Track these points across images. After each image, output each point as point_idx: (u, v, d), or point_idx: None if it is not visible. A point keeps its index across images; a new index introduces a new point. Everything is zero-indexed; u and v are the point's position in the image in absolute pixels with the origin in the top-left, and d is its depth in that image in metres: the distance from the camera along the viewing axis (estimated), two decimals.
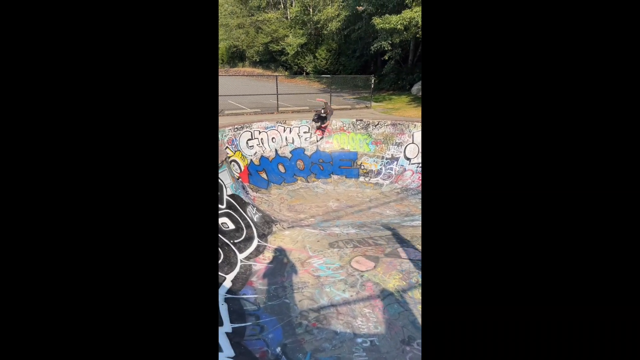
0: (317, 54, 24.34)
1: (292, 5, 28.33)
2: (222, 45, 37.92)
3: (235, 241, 4.68)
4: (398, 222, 6.10)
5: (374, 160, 9.27)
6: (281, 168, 8.80)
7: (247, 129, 8.52)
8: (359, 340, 3.13)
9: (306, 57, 25.25)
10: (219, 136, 7.73)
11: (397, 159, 9.01)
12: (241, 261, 4.38)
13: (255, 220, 5.44)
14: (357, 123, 9.68)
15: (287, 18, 28.73)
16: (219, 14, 37.39)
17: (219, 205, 4.98)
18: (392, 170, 8.94)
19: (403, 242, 5.01)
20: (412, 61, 16.85)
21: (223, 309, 3.37)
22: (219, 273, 3.93)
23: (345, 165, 9.35)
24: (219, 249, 4.28)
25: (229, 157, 7.38)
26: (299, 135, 9.48)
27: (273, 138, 9.05)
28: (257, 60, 32.71)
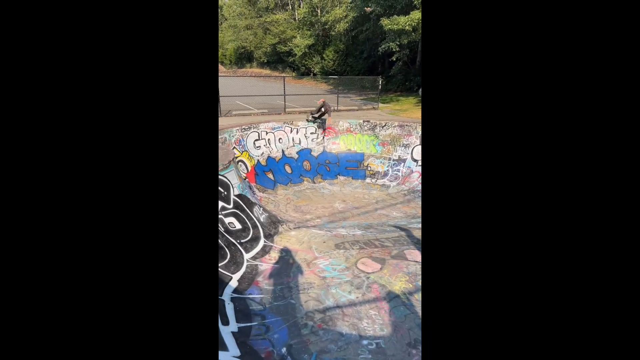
0: (324, 55, 24.38)
1: (300, 7, 28.45)
2: (230, 47, 38.27)
3: (242, 241, 4.70)
4: (405, 224, 6.06)
5: (381, 162, 9.24)
6: (288, 169, 8.82)
7: (255, 130, 8.57)
8: (365, 342, 3.11)
9: (314, 58, 25.32)
10: (227, 136, 7.78)
11: (404, 161, 8.96)
12: (247, 261, 4.39)
13: (261, 220, 5.46)
14: (364, 124, 9.66)
15: (295, 19, 28.86)
16: (228, 15, 37.74)
17: (226, 205, 5.01)
18: (399, 171, 8.89)
19: (410, 244, 4.98)
20: (420, 62, 16.77)
21: (229, 308, 3.38)
22: (226, 272, 3.95)
23: (351, 167, 9.33)
24: (226, 249, 4.30)
25: (236, 158, 7.43)
26: (305, 136, 9.49)
27: (280, 139, 9.08)
28: (265, 61, 32.91)
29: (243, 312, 3.43)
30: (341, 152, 9.59)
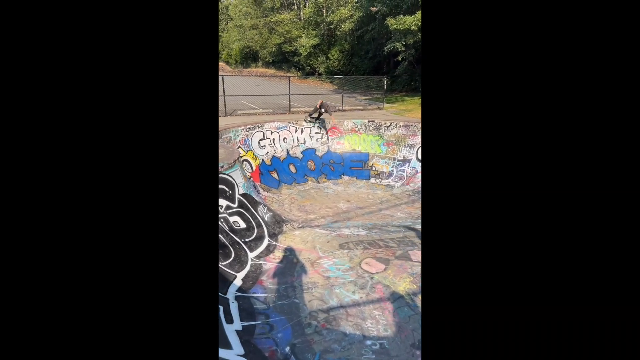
0: (329, 55, 24.37)
1: (305, 6, 28.45)
2: (235, 46, 38.44)
3: (246, 240, 4.72)
4: (409, 225, 6.04)
5: (386, 162, 9.20)
6: (292, 168, 8.83)
7: (259, 129, 8.60)
8: (369, 342, 3.11)
9: (319, 58, 25.31)
10: (232, 136, 7.82)
11: (409, 161, 8.92)
12: (252, 260, 4.41)
13: (266, 219, 5.48)
14: (369, 124, 9.64)
15: (300, 19, 28.88)
16: (234, 15, 37.90)
17: (231, 204, 5.04)
18: (403, 172, 8.85)
19: (414, 244, 4.96)
20: None
21: (233, 307, 3.40)
22: (230, 271, 3.97)
23: (356, 167, 9.31)
24: (230, 247, 4.32)
25: (241, 157, 7.46)
26: (310, 136, 9.50)
27: (285, 138, 9.10)
28: (270, 60, 33.00)
29: (247, 310, 3.44)
30: (346, 152, 9.58)
